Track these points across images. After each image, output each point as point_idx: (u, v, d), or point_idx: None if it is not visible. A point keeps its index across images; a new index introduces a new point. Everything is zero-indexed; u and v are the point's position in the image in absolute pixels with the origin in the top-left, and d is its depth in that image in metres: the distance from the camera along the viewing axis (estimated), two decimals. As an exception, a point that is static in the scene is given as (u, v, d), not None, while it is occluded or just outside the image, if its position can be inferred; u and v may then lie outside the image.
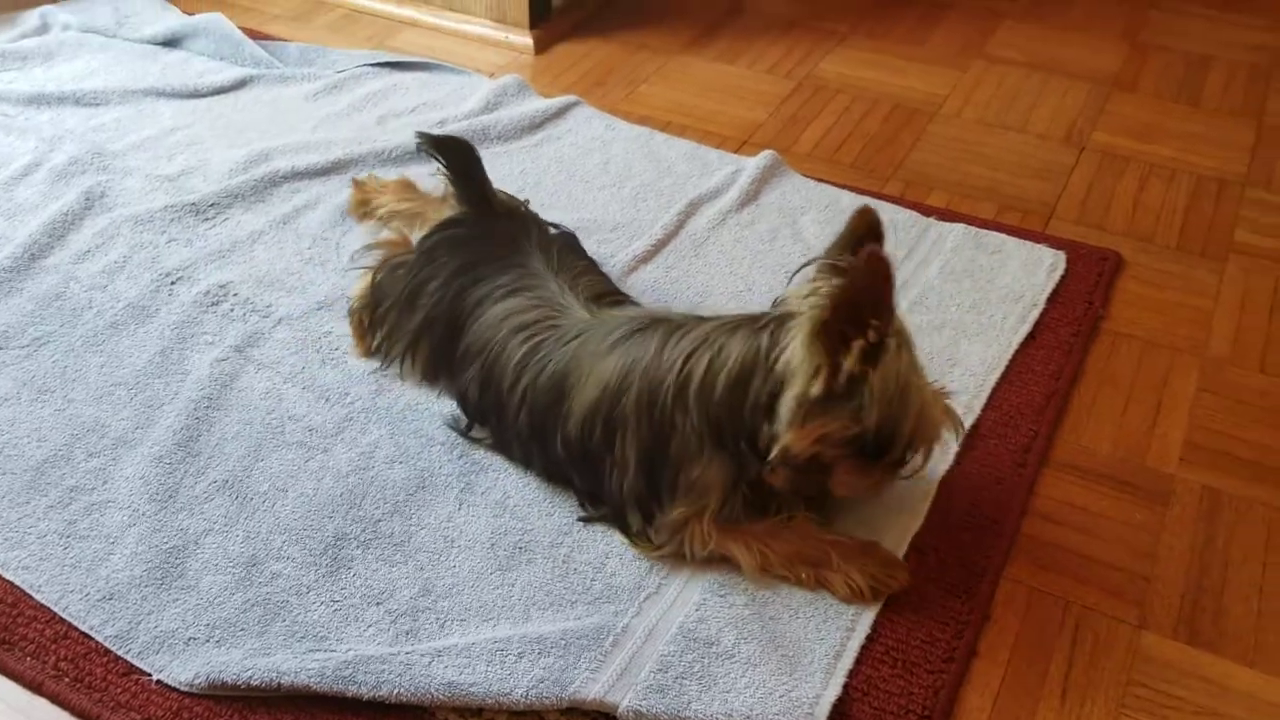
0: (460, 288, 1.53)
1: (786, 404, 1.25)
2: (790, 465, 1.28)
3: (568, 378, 1.40)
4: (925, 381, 1.28)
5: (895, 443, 1.26)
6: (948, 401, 1.33)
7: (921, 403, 1.26)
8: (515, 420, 1.45)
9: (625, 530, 1.40)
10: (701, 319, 1.38)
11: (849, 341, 1.20)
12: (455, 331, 1.53)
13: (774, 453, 1.27)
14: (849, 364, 1.20)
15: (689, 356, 1.33)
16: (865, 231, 1.27)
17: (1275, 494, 1.51)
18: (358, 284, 1.69)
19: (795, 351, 1.24)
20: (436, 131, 1.77)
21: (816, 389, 1.22)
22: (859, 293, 1.18)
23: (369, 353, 1.65)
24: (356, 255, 1.74)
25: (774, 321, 1.29)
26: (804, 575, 1.34)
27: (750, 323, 1.32)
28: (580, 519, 1.43)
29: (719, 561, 1.36)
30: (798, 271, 1.36)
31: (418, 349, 1.58)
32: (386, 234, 1.77)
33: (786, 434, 1.25)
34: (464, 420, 1.54)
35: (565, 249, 1.61)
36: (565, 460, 1.43)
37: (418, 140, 1.72)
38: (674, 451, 1.33)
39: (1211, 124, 2.34)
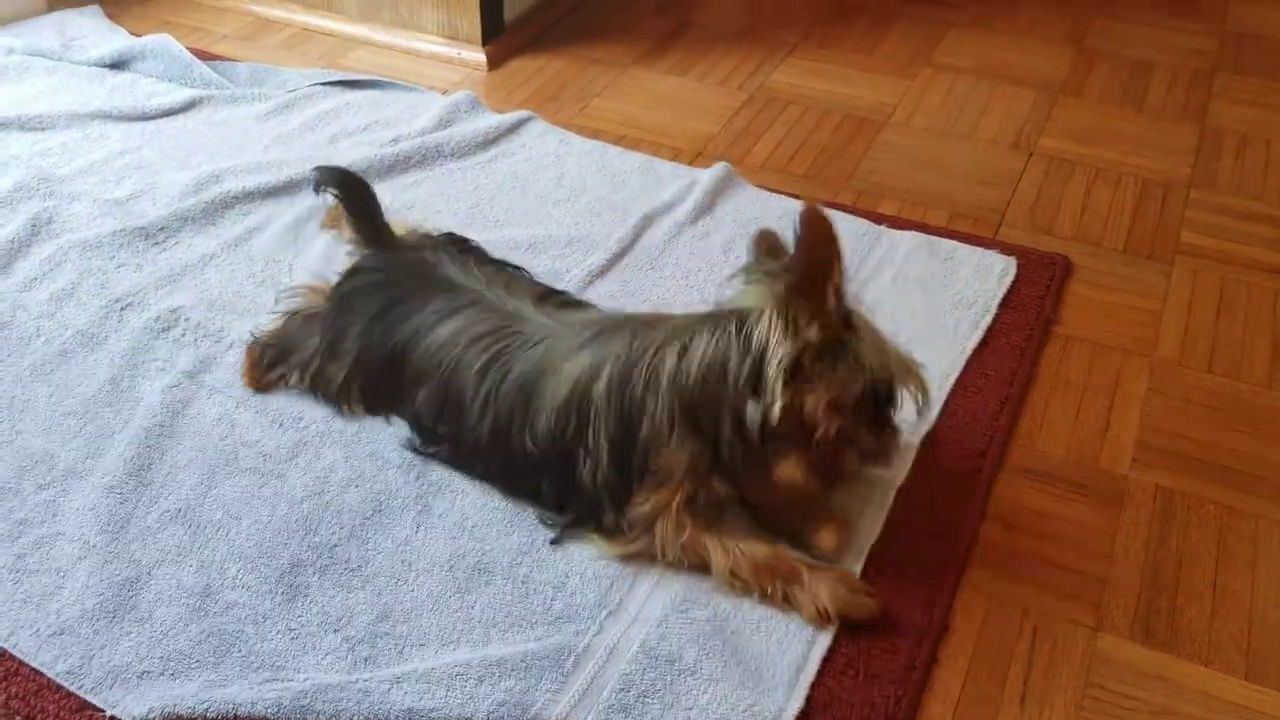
0: (386, 329, 1.52)
1: (777, 368, 1.27)
2: (797, 439, 1.31)
3: (539, 378, 1.40)
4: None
5: (895, 388, 1.33)
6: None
7: (894, 348, 1.34)
8: (477, 428, 1.44)
9: (599, 526, 1.40)
10: (664, 316, 1.42)
11: (819, 299, 1.26)
12: (394, 367, 1.51)
13: (774, 417, 1.29)
14: (826, 320, 1.26)
15: (660, 347, 1.35)
16: (773, 247, 1.37)
17: (1226, 492, 1.53)
18: (272, 323, 1.68)
19: (769, 320, 1.28)
20: (334, 164, 1.76)
21: (814, 334, 1.26)
22: (815, 249, 1.24)
23: (258, 386, 1.63)
24: (280, 297, 1.72)
25: (735, 314, 1.33)
26: (771, 589, 1.33)
27: (713, 317, 1.36)
28: (551, 541, 1.42)
29: (688, 566, 1.37)
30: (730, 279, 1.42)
31: (350, 393, 1.57)
32: (311, 281, 1.74)
33: (791, 397, 1.28)
34: (419, 440, 1.53)
35: (483, 263, 1.61)
36: (536, 460, 1.42)
37: (314, 176, 1.71)
38: (643, 436, 1.35)
39: (1156, 128, 2.38)
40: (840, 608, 1.31)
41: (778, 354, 1.27)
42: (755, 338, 1.29)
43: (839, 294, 1.27)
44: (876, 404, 1.32)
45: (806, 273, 1.25)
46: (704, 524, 1.35)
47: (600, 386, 1.36)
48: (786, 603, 1.33)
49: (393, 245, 1.66)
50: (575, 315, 1.49)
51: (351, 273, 1.62)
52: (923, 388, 1.36)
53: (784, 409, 1.28)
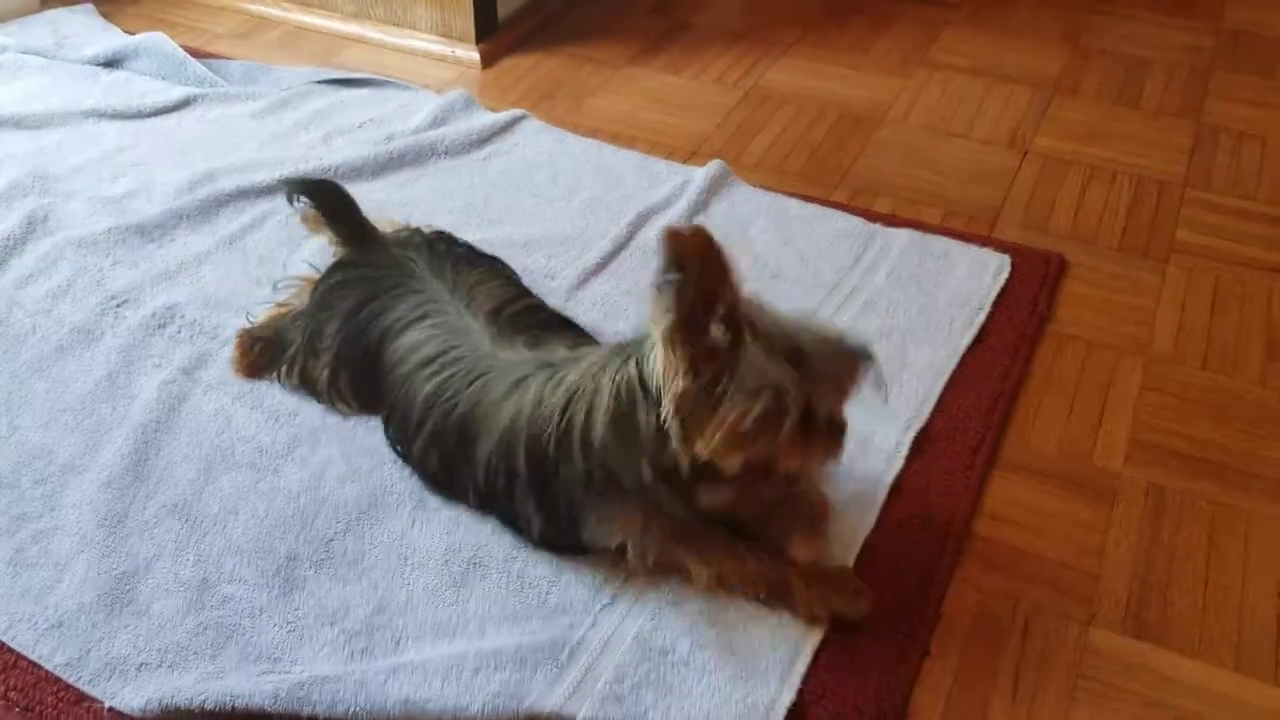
0: (360, 325, 1.53)
1: (670, 417, 1.20)
2: (718, 479, 1.26)
3: (471, 423, 1.39)
4: (813, 326, 1.22)
5: (819, 394, 1.20)
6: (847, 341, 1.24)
7: (822, 344, 1.20)
8: (426, 459, 1.45)
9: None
10: (579, 358, 1.36)
11: (705, 329, 1.15)
12: (371, 367, 1.52)
13: (686, 469, 1.24)
14: (713, 338, 1.15)
15: (566, 406, 1.31)
16: (680, 254, 1.14)
17: (1218, 489, 1.54)
18: (264, 313, 1.69)
19: (659, 363, 1.20)
20: (304, 174, 1.73)
21: (682, 383, 1.17)
22: (696, 279, 1.13)
23: (248, 375, 1.65)
24: (277, 286, 1.74)
25: (634, 347, 1.27)
26: (762, 596, 1.33)
27: (618, 354, 1.30)
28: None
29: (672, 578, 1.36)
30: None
31: (339, 389, 1.58)
32: (307, 272, 1.73)
33: (697, 446, 1.21)
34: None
35: (460, 263, 1.59)
36: (479, 506, 1.43)
37: (284, 186, 1.69)
38: (566, 501, 1.33)
39: (1151, 126, 2.39)
40: (833, 609, 1.31)
41: (668, 406, 1.20)
42: (654, 385, 1.22)
43: (729, 312, 1.16)
44: (782, 415, 1.19)
45: (686, 304, 1.14)
46: (681, 540, 1.33)
47: (520, 451, 1.34)
48: (779, 605, 1.33)
49: (374, 242, 1.66)
50: (512, 349, 1.44)
51: (331, 270, 1.63)
52: (858, 367, 1.23)
53: (692, 453, 1.22)
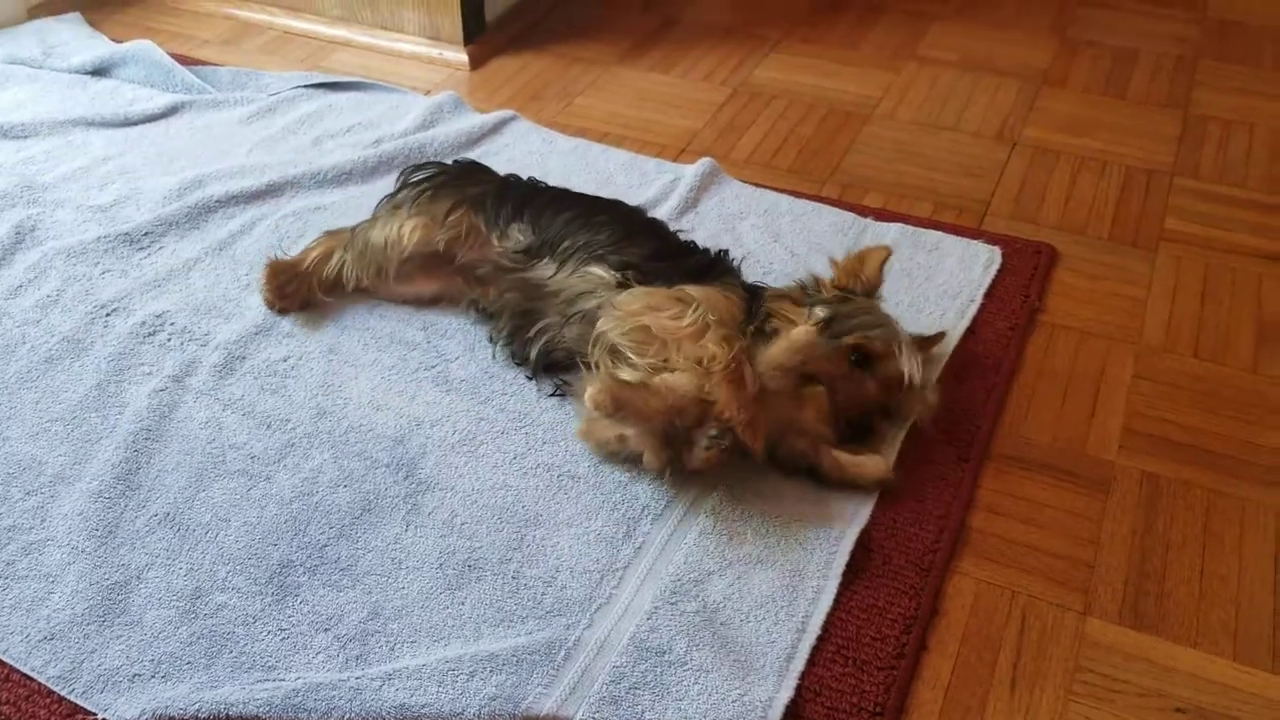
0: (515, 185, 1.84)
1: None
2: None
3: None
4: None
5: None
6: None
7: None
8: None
9: None
10: None
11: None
12: (542, 205, 1.78)
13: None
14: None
15: None
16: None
17: (1212, 476, 1.53)
18: (317, 247, 1.82)
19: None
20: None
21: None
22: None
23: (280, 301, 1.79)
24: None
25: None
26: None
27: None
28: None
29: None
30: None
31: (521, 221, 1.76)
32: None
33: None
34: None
35: None
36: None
37: None
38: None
39: (1139, 116, 2.39)
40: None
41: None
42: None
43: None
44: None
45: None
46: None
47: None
48: None
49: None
50: None
51: (433, 174, 1.84)
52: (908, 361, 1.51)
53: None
